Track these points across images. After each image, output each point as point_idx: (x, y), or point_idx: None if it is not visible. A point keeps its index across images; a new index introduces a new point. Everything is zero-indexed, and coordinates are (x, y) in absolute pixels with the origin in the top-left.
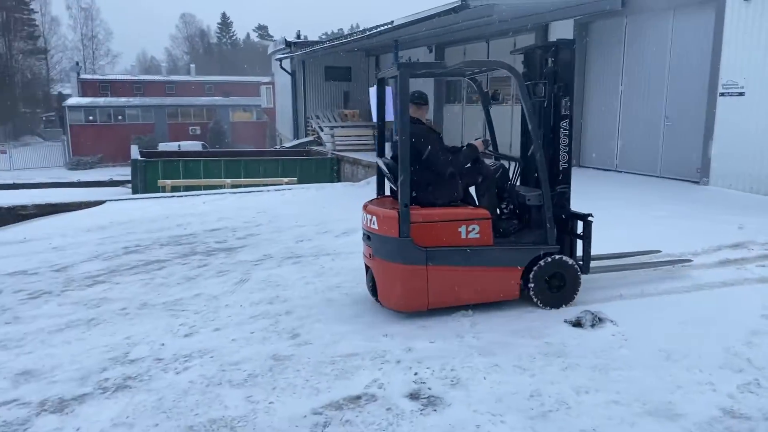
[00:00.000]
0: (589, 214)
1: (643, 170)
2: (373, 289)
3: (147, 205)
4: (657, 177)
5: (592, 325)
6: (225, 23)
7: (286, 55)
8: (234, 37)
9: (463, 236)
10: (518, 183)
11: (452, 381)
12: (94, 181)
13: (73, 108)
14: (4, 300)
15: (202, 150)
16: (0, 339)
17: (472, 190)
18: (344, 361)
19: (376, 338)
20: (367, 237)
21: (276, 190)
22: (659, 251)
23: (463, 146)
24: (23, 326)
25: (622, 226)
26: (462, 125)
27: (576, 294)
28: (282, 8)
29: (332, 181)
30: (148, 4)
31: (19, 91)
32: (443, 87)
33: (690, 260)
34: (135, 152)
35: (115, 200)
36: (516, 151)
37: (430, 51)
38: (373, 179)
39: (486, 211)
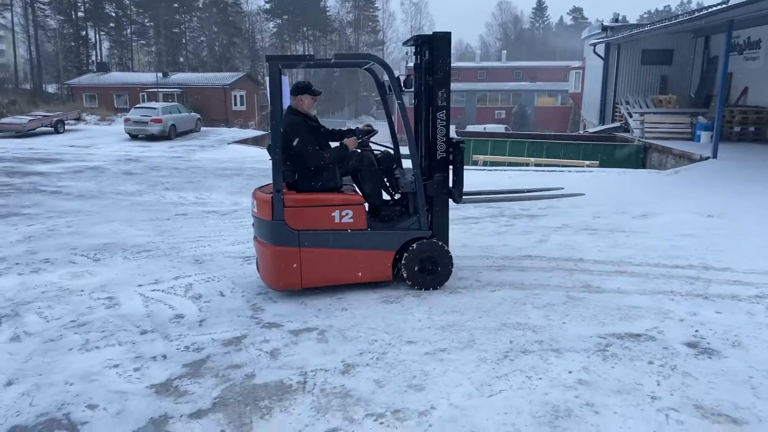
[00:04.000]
0: (461, 141)
1: None
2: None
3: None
4: None
5: None
6: (539, 8)
7: (600, 40)
8: (547, 22)
9: (337, 220)
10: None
11: (733, 343)
12: None
13: (407, 93)
14: None
15: (505, 132)
16: None
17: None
18: (629, 310)
19: (662, 301)
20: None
21: (576, 172)
22: (562, 188)
23: (354, 128)
24: None
25: None
26: None
27: (448, 277)
28: None
29: (636, 168)
30: None
31: (362, 78)
32: None
33: (582, 194)
34: (452, 132)
35: None
36: None
37: None
38: (683, 168)
39: (359, 197)
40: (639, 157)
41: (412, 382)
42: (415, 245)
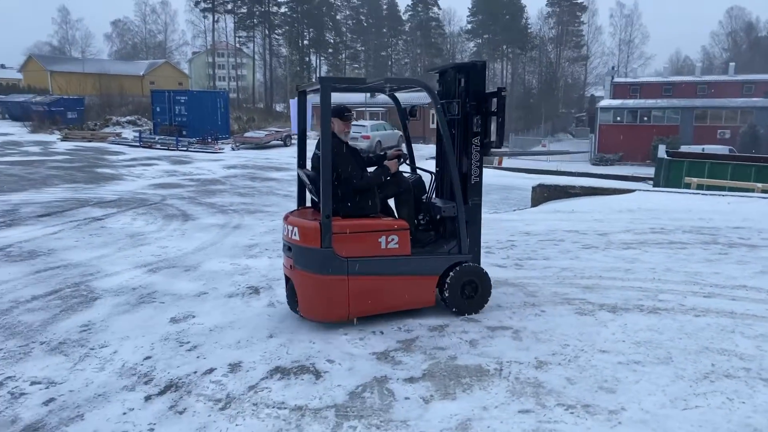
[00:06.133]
0: (503, 89)
1: None
2: (291, 301)
3: (671, 198)
4: None
5: None
6: None
7: None
8: None
9: (383, 246)
10: (434, 195)
11: None
12: (616, 175)
13: (604, 109)
14: (567, 246)
15: (728, 154)
16: (568, 267)
17: (391, 202)
18: None
19: None
20: (288, 248)
21: None
22: None
23: (382, 153)
24: (580, 263)
25: None
26: None
27: (487, 300)
28: None
29: None
30: (692, 4)
31: (561, 94)
32: None
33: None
34: (662, 152)
35: (643, 190)
36: None
37: None
38: None
39: (405, 222)
40: None
41: (603, 384)
42: (459, 269)
